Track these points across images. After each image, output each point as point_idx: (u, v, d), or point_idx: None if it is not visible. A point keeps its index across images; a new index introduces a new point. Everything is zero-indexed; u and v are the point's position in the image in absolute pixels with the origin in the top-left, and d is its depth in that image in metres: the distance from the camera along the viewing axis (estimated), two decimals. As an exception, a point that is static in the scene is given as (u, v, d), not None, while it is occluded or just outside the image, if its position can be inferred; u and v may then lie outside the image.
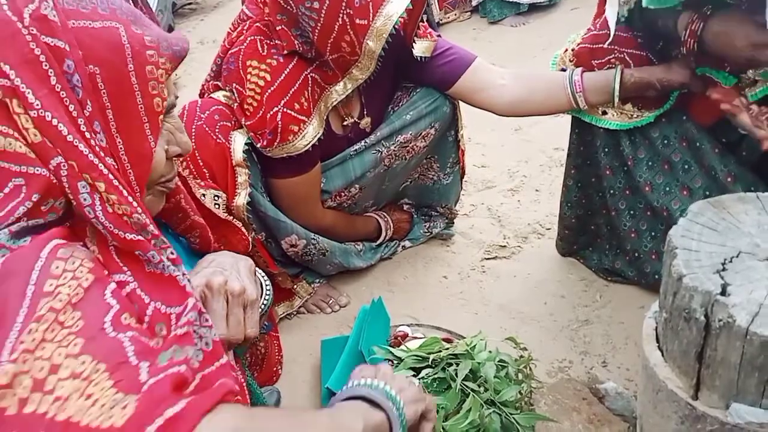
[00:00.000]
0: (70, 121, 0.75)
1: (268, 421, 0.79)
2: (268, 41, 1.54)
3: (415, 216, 2.06)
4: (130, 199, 0.78)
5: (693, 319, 0.75)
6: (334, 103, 1.59)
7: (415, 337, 1.41)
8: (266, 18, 1.55)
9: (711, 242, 0.81)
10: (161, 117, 0.84)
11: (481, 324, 1.66)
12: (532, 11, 4.01)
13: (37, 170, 0.73)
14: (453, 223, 2.10)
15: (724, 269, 0.76)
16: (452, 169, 1.97)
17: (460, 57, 1.75)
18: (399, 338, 1.50)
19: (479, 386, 1.25)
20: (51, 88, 0.74)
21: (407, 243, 2.05)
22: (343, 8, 1.42)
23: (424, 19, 1.67)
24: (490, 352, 1.31)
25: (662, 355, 0.84)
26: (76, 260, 0.73)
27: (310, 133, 1.56)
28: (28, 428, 0.63)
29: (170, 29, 4.01)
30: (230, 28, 1.65)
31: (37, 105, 0.72)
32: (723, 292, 0.73)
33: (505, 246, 2.01)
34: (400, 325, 1.59)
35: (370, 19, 1.45)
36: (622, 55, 1.53)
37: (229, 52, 1.56)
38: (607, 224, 1.75)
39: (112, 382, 0.68)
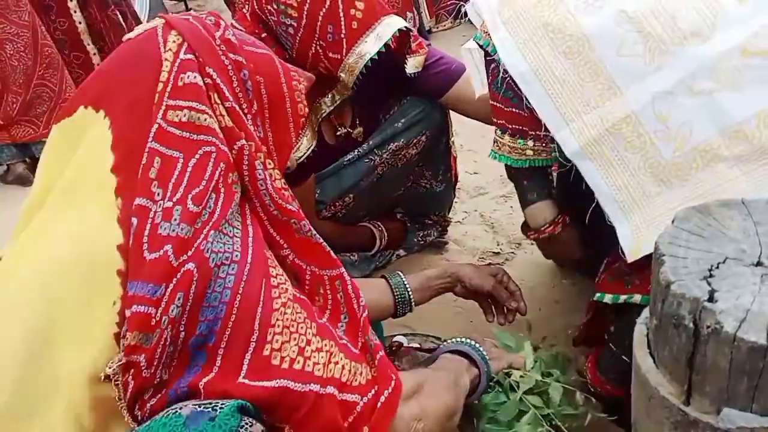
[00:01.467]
0: (243, 115, 0.98)
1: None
2: (259, 55, 1.55)
3: (409, 225, 2.07)
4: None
5: (682, 325, 0.75)
6: (324, 115, 1.60)
7: (410, 347, 1.42)
8: (255, 31, 1.56)
9: (698, 249, 0.81)
10: (302, 119, 1.06)
11: (477, 332, 1.66)
12: (522, 17, 4.02)
13: (223, 147, 0.93)
14: (446, 230, 2.10)
15: (711, 275, 0.77)
16: (444, 176, 1.98)
17: (450, 67, 1.76)
18: (394, 348, 1.50)
19: (539, 398, 1.22)
20: (233, 89, 0.97)
21: (401, 252, 2.06)
22: (315, 39, 1.44)
23: (412, 36, 1.68)
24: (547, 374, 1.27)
25: (654, 361, 0.85)
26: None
27: (305, 145, 1.57)
28: (307, 378, 0.92)
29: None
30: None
31: (230, 98, 0.96)
32: (710, 299, 0.74)
33: (498, 252, 2.02)
34: (396, 335, 1.59)
35: (343, 54, 1.47)
36: None
37: None
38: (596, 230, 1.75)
39: (344, 354, 1.00)
